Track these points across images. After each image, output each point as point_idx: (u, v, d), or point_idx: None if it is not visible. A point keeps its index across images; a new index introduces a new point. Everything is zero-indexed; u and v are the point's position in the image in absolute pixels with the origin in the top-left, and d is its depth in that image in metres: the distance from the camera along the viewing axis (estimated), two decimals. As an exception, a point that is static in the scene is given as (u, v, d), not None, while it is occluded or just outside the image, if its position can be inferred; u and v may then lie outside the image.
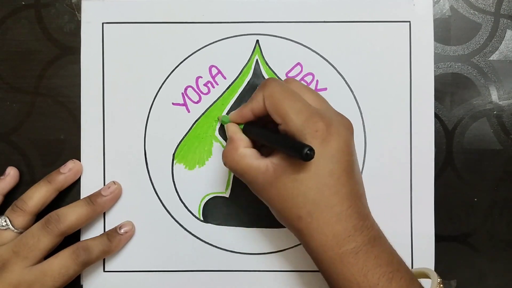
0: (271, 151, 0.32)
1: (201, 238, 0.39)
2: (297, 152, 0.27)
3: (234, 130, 0.33)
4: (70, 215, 0.36)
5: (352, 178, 0.29)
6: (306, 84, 0.39)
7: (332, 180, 0.29)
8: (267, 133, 0.31)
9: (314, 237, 0.29)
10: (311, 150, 0.27)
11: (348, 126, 0.31)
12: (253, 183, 0.31)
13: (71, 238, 0.37)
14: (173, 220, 0.39)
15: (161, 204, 0.39)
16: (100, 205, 0.37)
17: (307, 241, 0.30)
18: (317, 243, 0.29)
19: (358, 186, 0.30)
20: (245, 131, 0.33)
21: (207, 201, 0.39)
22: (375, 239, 0.30)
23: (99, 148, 0.39)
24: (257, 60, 0.39)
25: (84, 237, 0.39)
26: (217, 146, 0.39)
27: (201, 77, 0.39)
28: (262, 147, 0.34)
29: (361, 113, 0.39)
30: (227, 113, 0.39)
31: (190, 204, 0.39)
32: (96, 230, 0.39)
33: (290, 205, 0.29)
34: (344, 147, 0.29)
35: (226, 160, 0.32)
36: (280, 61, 0.39)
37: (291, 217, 0.30)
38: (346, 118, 0.32)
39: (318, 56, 0.39)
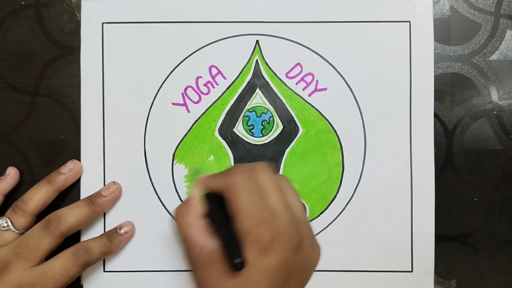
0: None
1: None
2: (229, 256, 0.28)
3: (195, 194, 0.32)
4: (70, 216, 0.36)
5: None
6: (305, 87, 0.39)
7: None
8: (218, 217, 0.31)
9: None
10: (241, 263, 0.27)
11: (295, 244, 0.29)
12: (187, 254, 0.32)
13: (72, 238, 0.37)
14: (173, 220, 0.39)
15: (161, 204, 0.39)
16: (100, 205, 0.37)
17: None
18: None
19: None
20: (205, 199, 0.32)
21: (207, 201, 0.39)
22: None
23: (99, 148, 0.39)
24: (257, 60, 0.39)
25: (84, 237, 0.39)
26: (217, 146, 0.39)
27: (201, 77, 0.39)
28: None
29: (361, 113, 0.39)
30: (227, 113, 0.39)
31: (190, 204, 0.39)
32: (96, 230, 0.39)
33: None
34: (279, 265, 0.28)
35: (176, 217, 0.32)
36: (280, 61, 0.39)
37: None
38: (297, 234, 0.30)
39: (318, 56, 0.39)
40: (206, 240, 0.30)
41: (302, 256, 0.30)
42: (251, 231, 0.28)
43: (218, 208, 0.31)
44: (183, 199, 0.39)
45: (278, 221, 0.29)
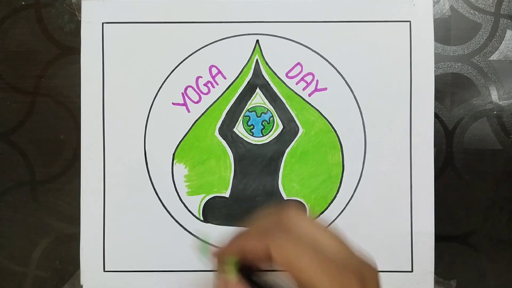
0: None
1: (201, 238, 0.39)
2: None
3: (230, 277, 0.26)
4: None
5: None
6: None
7: None
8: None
9: None
10: None
11: (376, 270, 0.26)
12: None
13: (72, 239, 0.37)
14: (173, 220, 0.39)
15: (161, 204, 0.39)
16: None
17: None
18: None
19: None
20: (240, 274, 0.26)
21: (207, 201, 0.39)
22: None
23: (99, 148, 0.39)
24: (257, 60, 0.39)
25: (84, 238, 0.39)
26: (218, 146, 0.39)
27: (201, 77, 0.39)
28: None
29: (361, 113, 0.39)
30: (227, 113, 0.39)
31: (190, 204, 0.39)
32: (95, 231, 0.39)
33: None
34: None
35: None
36: (280, 61, 0.39)
37: None
38: (370, 261, 0.26)
39: (318, 56, 0.39)
40: None
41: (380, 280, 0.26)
42: (337, 286, 0.23)
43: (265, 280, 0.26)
44: (183, 199, 0.39)
45: (347, 259, 0.25)
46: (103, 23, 0.39)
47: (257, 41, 0.39)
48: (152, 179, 0.39)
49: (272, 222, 0.26)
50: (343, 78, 0.39)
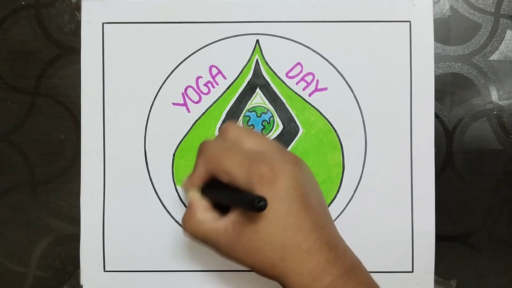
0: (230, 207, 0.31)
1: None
2: (250, 206, 0.27)
3: (192, 196, 0.32)
4: None
5: (311, 210, 0.29)
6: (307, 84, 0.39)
7: (292, 219, 0.28)
8: (221, 192, 0.31)
9: (291, 279, 0.28)
10: (262, 200, 0.26)
11: (292, 161, 0.30)
12: (217, 247, 0.30)
13: (72, 239, 0.37)
14: (173, 221, 0.39)
15: (161, 204, 0.39)
16: None
17: (286, 285, 0.29)
18: (295, 284, 0.29)
19: (320, 216, 0.30)
20: (203, 193, 0.32)
21: (207, 201, 0.39)
22: (351, 269, 0.29)
23: (99, 148, 0.39)
24: (257, 60, 0.39)
25: (84, 238, 0.39)
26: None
27: (201, 77, 0.39)
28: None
29: (361, 113, 0.39)
30: (227, 113, 0.39)
31: (190, 204, 0.39)
32: (95, 230, 0.39)
33: (260, 256, 0.29)
34: (293, 183, 0.28)
35: (185, 227, 0.31)
36: (280, 61, 0.39)
37: (265, 267, 0.29)
38: (289, 153, 0.31)
39: (318, 56, 0.39)
40: (224, 220, 0.30)
41: (305, 168, 0.31)
42: (250, 174, 0.28)
43: (215, 191, 0.31)
44: (183, 199, 0.39)
45: (265, 152, 0.30)
46: (103, 23, 0.39)
47: (257, 41, 0.39)
48: (152, 179, 0.39)
49: (209, 139, 0.32)
50: (343, 78, 0.39)
